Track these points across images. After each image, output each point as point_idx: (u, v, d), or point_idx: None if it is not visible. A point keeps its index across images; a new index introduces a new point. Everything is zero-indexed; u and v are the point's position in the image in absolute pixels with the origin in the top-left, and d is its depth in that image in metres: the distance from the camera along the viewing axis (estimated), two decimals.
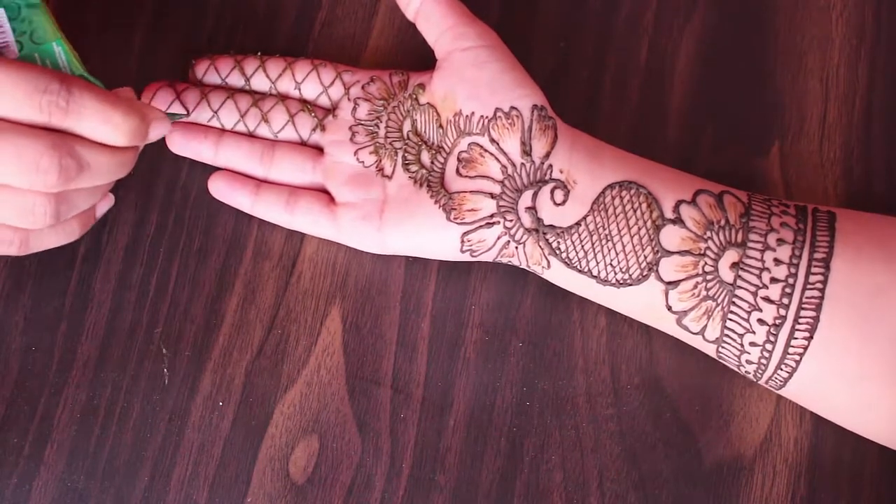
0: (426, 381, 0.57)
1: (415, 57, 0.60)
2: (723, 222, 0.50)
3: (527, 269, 0.55)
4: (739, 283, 0.50)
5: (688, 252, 0.50)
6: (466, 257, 0.55)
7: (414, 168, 0.56)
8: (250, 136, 0.58)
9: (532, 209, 0.53)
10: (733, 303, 0.50)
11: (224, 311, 0.58)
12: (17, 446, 0.55)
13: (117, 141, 0.48)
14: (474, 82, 0.54)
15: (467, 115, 0.54)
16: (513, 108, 0.53)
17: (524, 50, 0.56)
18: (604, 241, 0.52)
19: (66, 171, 0.46)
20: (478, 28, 0.55)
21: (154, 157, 0.59)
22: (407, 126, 0.57)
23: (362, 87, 0.58)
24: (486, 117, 0.54)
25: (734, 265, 0.50)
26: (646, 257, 0.51)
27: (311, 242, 0.58)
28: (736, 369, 0.53)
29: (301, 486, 0.55)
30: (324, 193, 0.57)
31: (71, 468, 0.55)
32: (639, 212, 0.51)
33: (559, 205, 0.52)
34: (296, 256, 0.58)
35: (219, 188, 0.58)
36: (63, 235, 0.52)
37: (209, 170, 0.58)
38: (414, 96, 0.57)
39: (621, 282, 0.52)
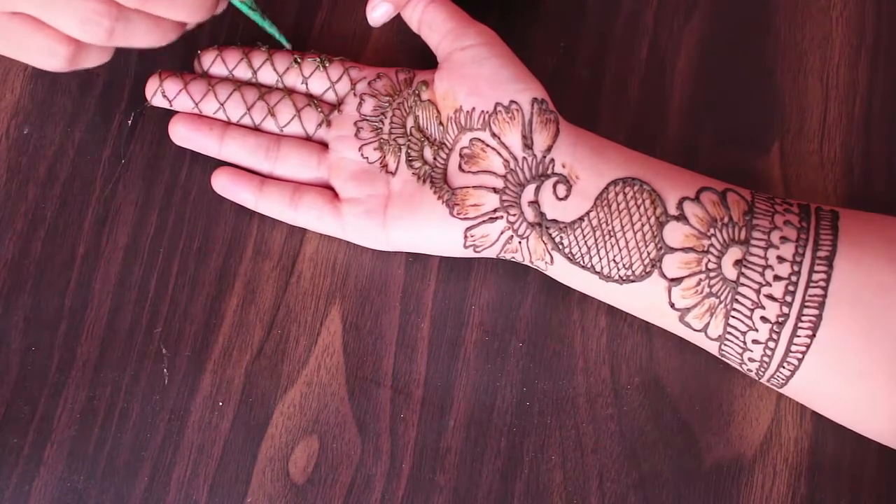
0: (426, 381, 0.56)
1: (415, 56, 0.60)
2: (726, 220, 0.51)
3: (530, 264, 0.55)
4: (742, 280, 0.50)
5: (691, 249, 0.50)
6: (470, 253, 0.55)
7: (417, 164, 0.56)
8: (254, 130, 0.59)
9: (535, 203, 0.53)
10: (736, 300, 0.50)
11: (224, 311, 0.58)
12: (17, 446, 0.55)
13: None
14: (474, 79, 0.54)
15: (468, 111, 0.54)
16: (512, 101, 0.53)
17: (524, 50, 0.56)
18: (607, 237, 0.52)
19: None
20: (477, 28, 0.56)
21: (154, 157, 0.60)
22: (410, 122, 0.57)
23: (368, 84, 0.59)
24: (487, 112, 0.54)
25: (737, 262, 0.50)
26: (649, 254, 0.51)
27: (310, 242, 0.58)
28: (738, 367, 0.53)
29: (301, 486, 0.55)
30: (328, 189, 0.58)
31: (71, 468, 0.55)
32: (642, 208, 0.51)
33: (562, 199, 0.52)
34: (296, 256, 0.58)
35: (222, 184, 0.58)
36: (105, 54, 0.54)
37: (209, 169, 0.58)
38: (416, 93, 0.57)
39: (624, 278, 0.52)
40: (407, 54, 0.61)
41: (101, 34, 0.50)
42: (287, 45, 0.60)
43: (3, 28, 0.50)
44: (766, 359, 0.50)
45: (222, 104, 0.59)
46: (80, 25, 0.49)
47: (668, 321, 0.53)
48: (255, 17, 0.58)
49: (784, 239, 0.50)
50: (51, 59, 0.51)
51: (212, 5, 0.52)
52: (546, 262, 0.54)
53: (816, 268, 0.49)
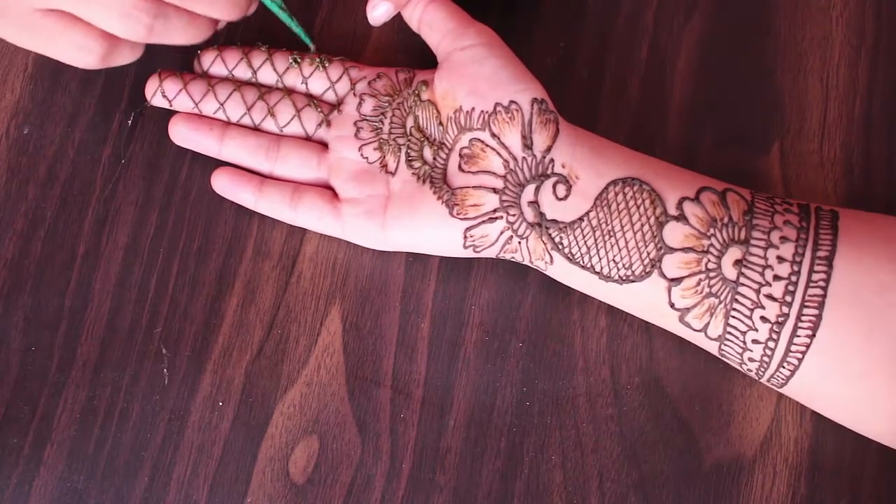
0: (426, 381, 0.56)
1: (415, 56, 0.60)
2: (726, 220, 0.51)
3: (529, 265, 0.55)
4: (742, 280, 0.50)
5: (691, 249, 0.50)
6: (469, 253, 0.55)
7: (417, 164, 0.56)
8: (254, 130, 0.59)
9: (535, 203, 0.53)
10: (736, 300, 0.50)
11: (224, 311, 0.58)
12: (17, 446, 0.55)
13: None
14: (474, 78, 0.54)
15: (468, 111, 0.54)
16: (512, 102, 0.53)
17: (525, 50, 0.56)
18: (607, 237, 0.52)
19: None
20: (477, 28, 0.56)
21: (154, 157, 0.60)
22: (410, 122, 0.57)
23: (368, 84, 0.59)
24: (487, 112, 0.54)
25: (737, 262, 0.50)
26: (649, 254, 0.51)
27: (310, 242, 0.58)
28: (738, 367, 0.53)
29: (301, 486, 0.55)
30: (327, 190, 0.58)
31: (71, 468, 0.55)
32: (642, 208, 0.51)
33: (561, 199, 0.52)
34: (296, 256, 0.58)
35: (222, 184, 0.58)
36: (136, 51, 0.54)
37: (209, 169, 0.58)
38: (416, 93, 0.57)
39: (624, 278, 0.52)
40: (407, 54, 0.61)
41: (140, 30, 0.50)
42: (312, 47, 0.60)
43: (37, 25, 0.50)
44: (766, 359, 0.50)
45: (222, 104, 0.59)
46: (119, 20, 0.49)
47: (668, 321, 0.53)
48: (283, 16, 0.58)
49: (784, 239, 0.50)
50: (85, 55, 0.51)
51: (245, 4, 0.53)
52: (546, 262, 0.54)
53: (816, 268, 0.49)
